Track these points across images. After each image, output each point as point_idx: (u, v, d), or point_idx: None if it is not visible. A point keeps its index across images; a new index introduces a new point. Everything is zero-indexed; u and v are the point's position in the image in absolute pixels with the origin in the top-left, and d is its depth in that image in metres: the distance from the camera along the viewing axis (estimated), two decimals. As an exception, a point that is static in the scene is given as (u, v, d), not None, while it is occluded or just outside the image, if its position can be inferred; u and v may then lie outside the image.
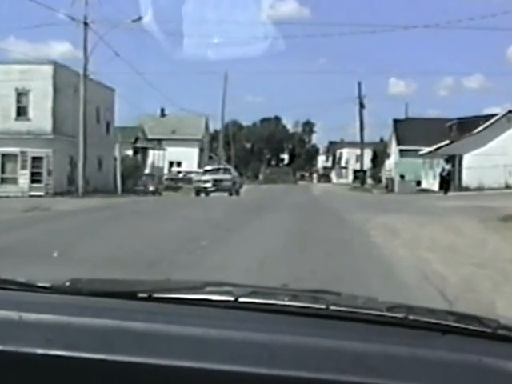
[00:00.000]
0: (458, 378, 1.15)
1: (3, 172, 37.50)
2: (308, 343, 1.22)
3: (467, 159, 37.66)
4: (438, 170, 36.29)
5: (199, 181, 43.03)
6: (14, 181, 37.11)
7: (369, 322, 1.31)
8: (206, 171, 45.20)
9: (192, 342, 1.23)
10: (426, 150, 49.71)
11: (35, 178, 36.95)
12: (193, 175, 75.49)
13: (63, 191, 35.82)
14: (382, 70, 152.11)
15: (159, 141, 77.70)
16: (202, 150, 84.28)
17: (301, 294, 1.63)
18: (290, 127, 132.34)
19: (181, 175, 74.16)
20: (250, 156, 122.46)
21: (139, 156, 58.27)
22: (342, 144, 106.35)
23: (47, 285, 1.54)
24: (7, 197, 32.77)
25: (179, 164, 79.57)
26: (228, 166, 52.58)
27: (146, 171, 55.63)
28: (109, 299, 1.44)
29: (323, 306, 1.36)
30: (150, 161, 62.23)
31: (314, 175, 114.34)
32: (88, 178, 36.27)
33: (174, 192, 48.44)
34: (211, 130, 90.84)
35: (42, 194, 35.35)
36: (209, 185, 40.95)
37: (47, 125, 37.60)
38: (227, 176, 42.57)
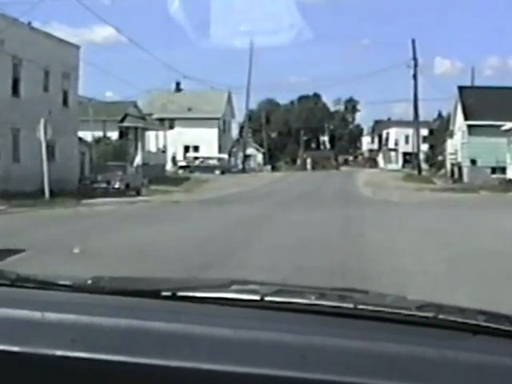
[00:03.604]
0: (489, 381, 1.11)
1: None
2: (337, 344, 1.18)
3: None
4: None
5: None
6: None
7: (398, 322, 1.27)
8: None
9: (216, 343, 1.18)
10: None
11: None
12: (213, 161, 63.48)
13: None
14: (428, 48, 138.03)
15: (172, 120, 65.19)
16: (223, 132, 71.04)
17: (328, 293, 1.57)
18: (330, 105, 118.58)
19: (197, 162, 62.19)
20: (287, 138, 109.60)
21: (131, 138, 45.42)
22: (389, 123, 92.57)
23: (69, 283, 1.49)
24: None
25: (196, 148, 66.84)
26: None
27: (138, 158, 42.85)
28: (131, 298, 1.39)
29: (351, 306, 1.32)
30: (151, 144, 49.68)
31: (359, 159, 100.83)
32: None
33: (174, 187, 35.62)
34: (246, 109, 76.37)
35: None
36: None
37: None
38: None
